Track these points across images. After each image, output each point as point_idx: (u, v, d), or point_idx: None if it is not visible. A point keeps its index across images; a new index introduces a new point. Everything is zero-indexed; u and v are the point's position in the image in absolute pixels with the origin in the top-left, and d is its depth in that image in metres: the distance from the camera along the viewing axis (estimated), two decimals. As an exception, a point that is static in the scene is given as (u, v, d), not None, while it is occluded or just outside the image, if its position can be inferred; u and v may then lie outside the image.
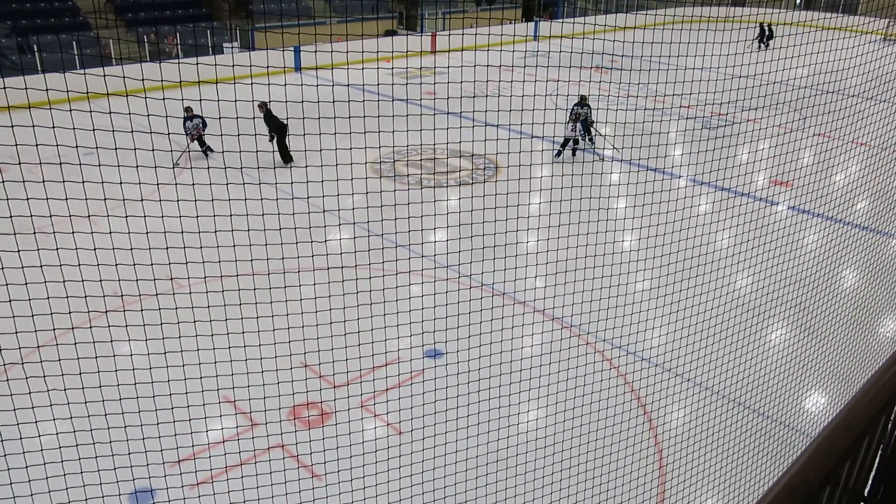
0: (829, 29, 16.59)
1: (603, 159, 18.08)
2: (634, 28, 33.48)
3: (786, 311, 10.64)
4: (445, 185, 16.04)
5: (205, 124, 16.52)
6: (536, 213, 13.95)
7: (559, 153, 17.61)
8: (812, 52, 10.42)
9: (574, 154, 18.01)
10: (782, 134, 20.14)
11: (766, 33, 32.06)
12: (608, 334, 10.15)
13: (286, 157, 16.07)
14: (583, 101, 18.06)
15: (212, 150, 16.63)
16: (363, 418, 8.34)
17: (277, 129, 15.88)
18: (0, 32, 19.91)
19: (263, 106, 15.68)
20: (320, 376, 8.90)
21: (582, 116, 17.67)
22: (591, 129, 18.19)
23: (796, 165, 16.90)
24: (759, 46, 31.76)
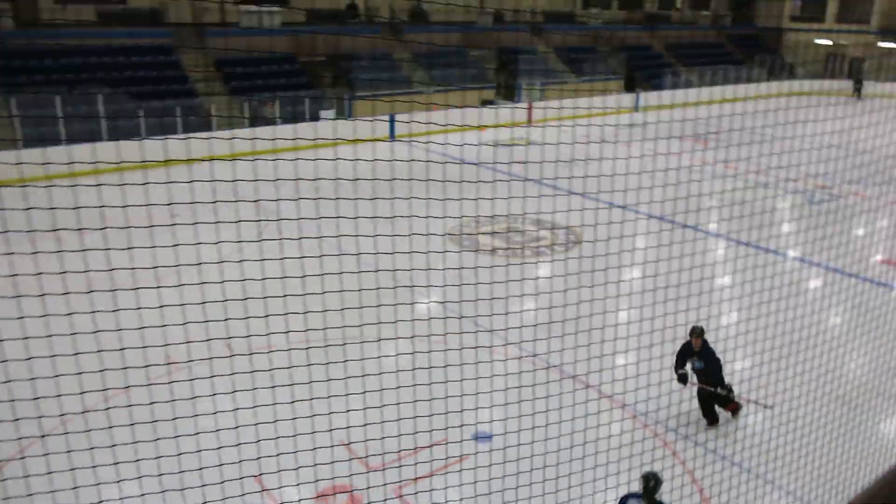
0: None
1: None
2: (739, 100, 32.67)
3: (890, 406, 9.62)
4: (522, 255, 15.75)
5: None
6: (615, 291, 13.41)
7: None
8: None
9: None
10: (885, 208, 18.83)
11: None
12: (673, 423, 9.45)
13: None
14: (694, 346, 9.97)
15: None
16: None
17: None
18: (112, 98, 21.39)
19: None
20: (354, 457, 8.59)
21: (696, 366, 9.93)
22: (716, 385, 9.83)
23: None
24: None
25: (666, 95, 33.30)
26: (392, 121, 24.78)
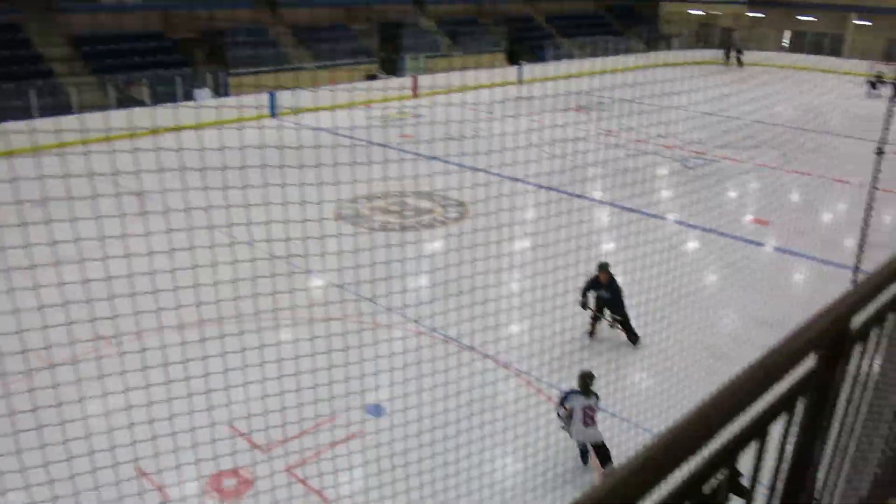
0: (813, 70, 16.36)
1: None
2: (618, 70, 33.53)
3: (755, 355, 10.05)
4: (412, 230, 15.59)
5: None
6: (506, 261, 13.45)
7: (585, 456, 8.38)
8: (795, 91, 10.13)
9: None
10: (754, 170, 19.79)
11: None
12: (567, 385, 9.56)
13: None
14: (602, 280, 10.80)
15: None
16: (290, 484, 7.62)
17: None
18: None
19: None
20: (245, 440, 8.26)
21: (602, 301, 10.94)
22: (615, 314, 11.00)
23: (775, 203, 16.48)
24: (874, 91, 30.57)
25: (549, 67, 33.77)
26: (273, 98, 23.96)
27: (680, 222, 15.55)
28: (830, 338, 1.78)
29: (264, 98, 23.90)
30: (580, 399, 7.94)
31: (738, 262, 13.50)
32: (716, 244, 14.45)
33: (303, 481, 7.65)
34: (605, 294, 10.75)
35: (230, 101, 23.48)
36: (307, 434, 8.05)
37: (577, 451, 8.09)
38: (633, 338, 10.65)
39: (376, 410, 8.65)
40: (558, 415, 8.05)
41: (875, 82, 31.84)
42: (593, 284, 10.76)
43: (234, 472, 7.68)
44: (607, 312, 10.81)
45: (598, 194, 17.54)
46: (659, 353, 9.88)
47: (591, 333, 10.98)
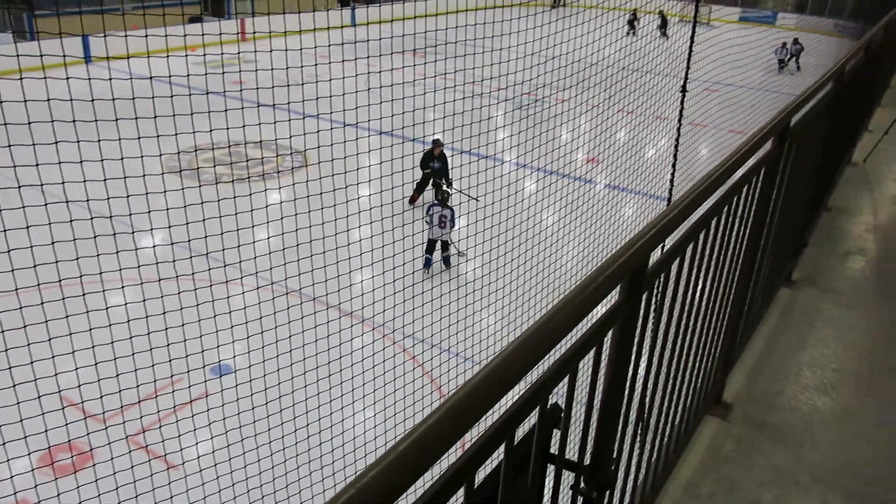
0: (625, 9, 17.12)
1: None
2: (455, 12, 33.48)
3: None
4: (249, 182, 15.06)
5: None
6: (348, 209, 13.34)
7: (428, 263, 12.66)
8: (615, 27, 10.55)
9: (448, 263, 12.91)
10: (575, 108, 20.69)
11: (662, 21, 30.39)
12: (420, 334, 9.76)
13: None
14: (436, 153, 14.78)
15: None
16: (133, 456, 7.34)
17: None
18: None
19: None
20: (81, 414, 7.81)
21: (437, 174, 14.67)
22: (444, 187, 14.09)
23: (603, 142, 17.34)
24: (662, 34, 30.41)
25: (382, 10, 33.23)
26: (86, 42, 22.01)
27: (518, 164, 16.04)
28: (632, 271, 1.89)
29: (77, 43, 21.88)
30: (438, 209, 12.00)
31: (573, 201, 14.17)
32: (552, 185, 15.07)
33: (149, 450, 7.38)
34: (436, 164, 13.84)
35: (37, 46, 21.31)
36: (148, 401, 7.76)
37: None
38: (443, 195, 12.92)
39: (221, 370, 8.45)
40: (424, 221, 12.03)
41: (633, 20, 31.21)
42: (429, 157, 13.85)
43: (69, 445, 7.28)
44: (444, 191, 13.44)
45: (437, 139, 17.66)
46: (505, 297, 10.27)
47: (413, 200, 14.08)
